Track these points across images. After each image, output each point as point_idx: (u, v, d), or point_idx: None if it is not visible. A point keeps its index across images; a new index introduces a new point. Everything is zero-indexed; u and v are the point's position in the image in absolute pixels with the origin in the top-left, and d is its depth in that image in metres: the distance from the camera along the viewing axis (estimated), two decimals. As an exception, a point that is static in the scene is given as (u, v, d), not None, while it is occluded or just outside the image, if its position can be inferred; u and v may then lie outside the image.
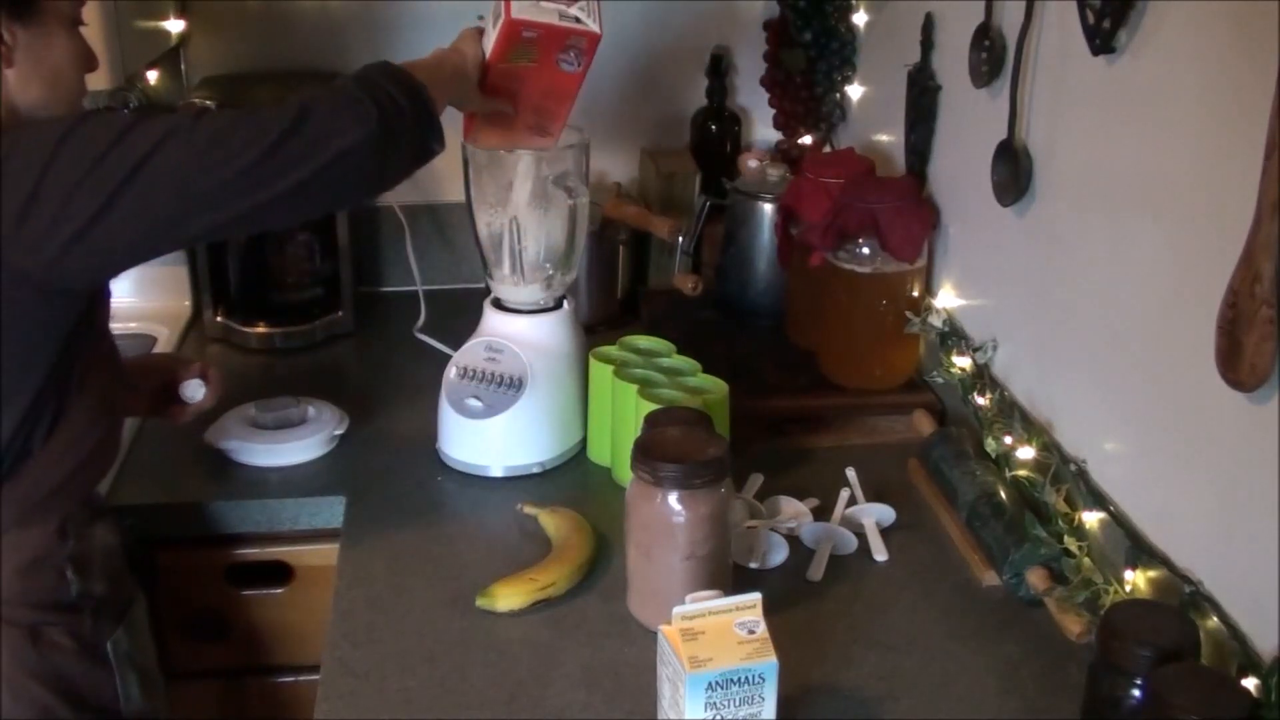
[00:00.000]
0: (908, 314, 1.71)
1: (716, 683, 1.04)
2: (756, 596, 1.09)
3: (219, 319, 2.05)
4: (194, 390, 1.54)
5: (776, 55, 2.22)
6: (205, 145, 1.13)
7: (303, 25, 2.16)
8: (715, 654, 1.05)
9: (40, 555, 1.24)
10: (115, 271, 1.21)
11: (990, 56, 1.55)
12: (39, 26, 1.20)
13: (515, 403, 1.57)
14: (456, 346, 1.66)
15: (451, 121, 1.37)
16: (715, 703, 1.05)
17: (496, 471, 1.60)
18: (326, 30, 2.15)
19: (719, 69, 2.22)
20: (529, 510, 1.50)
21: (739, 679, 1.04)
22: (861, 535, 1.47)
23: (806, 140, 2.21)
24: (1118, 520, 1.30)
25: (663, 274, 2.08)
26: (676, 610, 1.08)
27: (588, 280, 2.01)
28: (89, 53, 1.27)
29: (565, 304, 1.65)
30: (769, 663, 1.06)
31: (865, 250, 1.69)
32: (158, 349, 1.99)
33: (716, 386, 1.58)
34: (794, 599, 1.36)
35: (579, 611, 1.35)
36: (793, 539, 1.46)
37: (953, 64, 1.67)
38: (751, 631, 1.07)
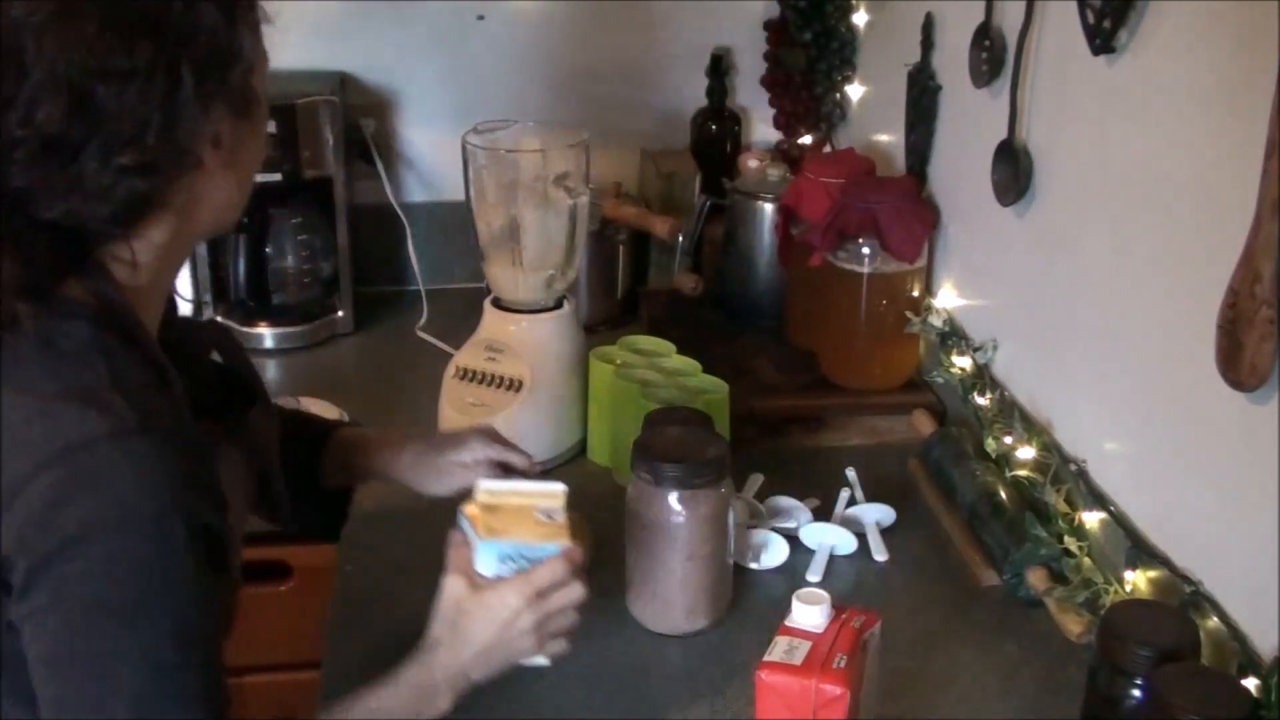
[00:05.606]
0: (908, 314, 1.71)
1: (508, 555, 1.09)
2: (561, 488, 1.11)
3: (220, 319, 2.05)
4: None
5: (776, 55, 2.22)
6: None
7: (302, 25, 2.15)
8: (509, 528, 1.09)
9: None
10: None
11: (990, 56, 1.54)
12: (256, 117, 1.00)
13: (515, 403, 1.57)
14: (458, 346, 1.66)
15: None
16: (504, 575, 1.10)
17: (497, 471, 1.60)
18: (326, 30, 2.15)
19: (719, 69, 2.22)
20: (529, 510, 1.50)
21: (530, 556, 1.09)
22: (861, 535, 1.47)
23: (806, 140, 2.21)
24: (1118, 520, 1.30)
25: (663, 274, 2.08)
26: (482, 484, 1.12)
27: (588, 280, 2.00)
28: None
29: (565, 304, 1.65)
30: (558, 544, 1.10)
31: (865, 250, 1.69)
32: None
33: (716, 386, 1.58)
34: (794, 599, 1.36)
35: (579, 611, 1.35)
36: (793, 539, 1.46)
37: (953, 64, 1.67)
38: (550, 517, 1.10)
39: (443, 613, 1.11)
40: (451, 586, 1.11)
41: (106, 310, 0.95)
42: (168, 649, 0.91)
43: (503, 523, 1.10)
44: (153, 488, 0.89)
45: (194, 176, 0.96)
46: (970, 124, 1.65)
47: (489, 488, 1.12)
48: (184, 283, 2.09)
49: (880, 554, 1.45)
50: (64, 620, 0.89)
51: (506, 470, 1.32)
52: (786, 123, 2.26)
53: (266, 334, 2.03)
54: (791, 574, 1.42)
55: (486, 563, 1.10)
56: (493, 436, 1.34)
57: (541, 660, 1.14)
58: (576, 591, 1.11)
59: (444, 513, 1.43)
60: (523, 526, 1.10)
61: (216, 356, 1.18)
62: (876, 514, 1.51)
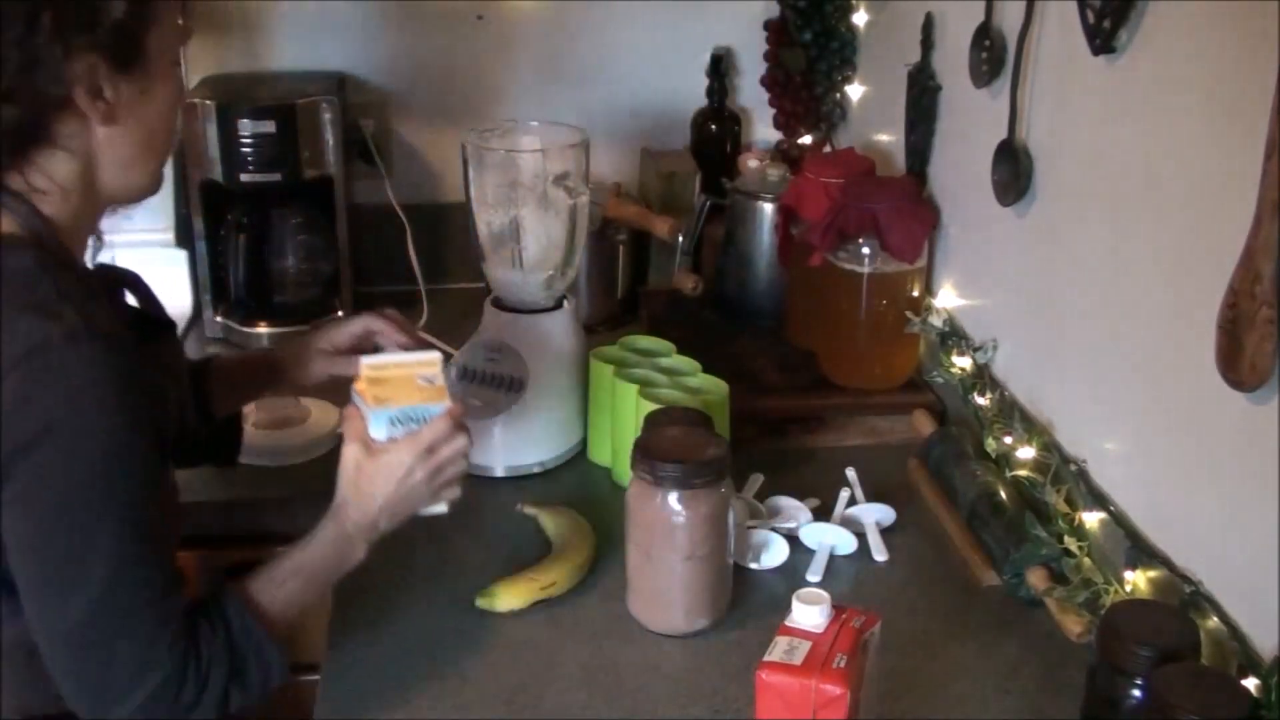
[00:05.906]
0: (908, 314, 1.71)
1: (397, 419, 1.20)
2: (437, 355, 1.21)
3: (219, 319, 2.05)
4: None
5: (776, 55, 2.22)
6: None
7: (302, 25, 2.16)
8: (395, 395, 1.20)
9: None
10: None
11: (990, 56, 1.54)
12: (144, 76, 1.09)
13: (515, 403, 1.57)
14: (458, 346, 1.66)
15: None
16: (396, 438, 1.21)
17: (497, 471, 1.60)
18: (326, 30, 2.16)
19: (719, 69, 2.22)
20: (529, 510, 1.50)
21: (417, 416, 1.21)
22: (861, 535, 1.47)
23: (806, 140, 2.21)
24: (1118, 520, 1.30)
25: (663, 274, 2.08)
26: (364, 360, 1.21)
27: (588, 280, 2.00)
28: (184, 90, 1.18)
29: (565, 304, 1.65)
30: (441, 405, 1.21)
31: (865, 250, 1.69)
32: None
33: (716, 386, 1.58)
34: (794, 599, 1.36)
35: (579, 611, 1.35)
36: (793, 539, 1.46)
37: (953, 64, 1.67)
38: (430, 382, 1.20)
39: (345, 477, 1.21)
40: (349, 453, 1.21)
41: (39, 241, 1.07)
42: (136, 523, 1.04)
43: (388, 392, 1.20)
44: (107, 384, 1.01)
45: (80, 123, 1.07)
46: (970, 124, 1.65)
47: (371, 362, 1.21)
48: (184, 283, 2.09)
49: (880, 554, 1.45)
50: (37, 506, 1.02)
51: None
52: (786, 123, 2.26)
53: (266, 334, 2.03)
54: (791, 574, 1.42)
55: (378, 428, 1.21)
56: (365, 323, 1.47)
57: (440, 508, 1.25)
58: (461, 442, 1.23)
59: (444, 516, 1.42)
60: (407, 393, 1.20)
61: (131, 300, 1.27)
62: (876, 514, 1.51)
